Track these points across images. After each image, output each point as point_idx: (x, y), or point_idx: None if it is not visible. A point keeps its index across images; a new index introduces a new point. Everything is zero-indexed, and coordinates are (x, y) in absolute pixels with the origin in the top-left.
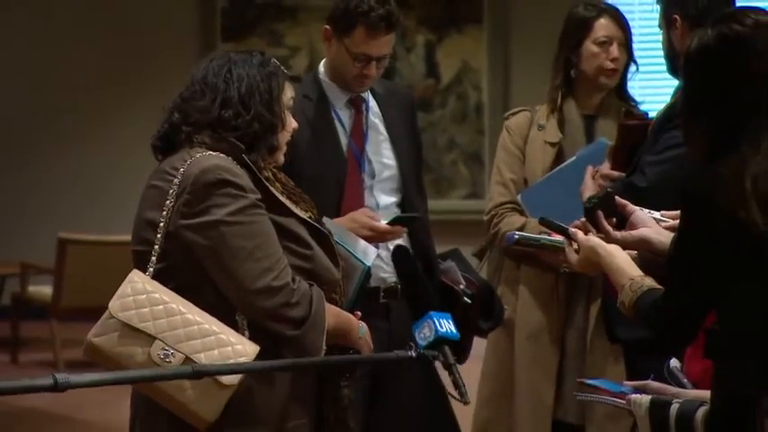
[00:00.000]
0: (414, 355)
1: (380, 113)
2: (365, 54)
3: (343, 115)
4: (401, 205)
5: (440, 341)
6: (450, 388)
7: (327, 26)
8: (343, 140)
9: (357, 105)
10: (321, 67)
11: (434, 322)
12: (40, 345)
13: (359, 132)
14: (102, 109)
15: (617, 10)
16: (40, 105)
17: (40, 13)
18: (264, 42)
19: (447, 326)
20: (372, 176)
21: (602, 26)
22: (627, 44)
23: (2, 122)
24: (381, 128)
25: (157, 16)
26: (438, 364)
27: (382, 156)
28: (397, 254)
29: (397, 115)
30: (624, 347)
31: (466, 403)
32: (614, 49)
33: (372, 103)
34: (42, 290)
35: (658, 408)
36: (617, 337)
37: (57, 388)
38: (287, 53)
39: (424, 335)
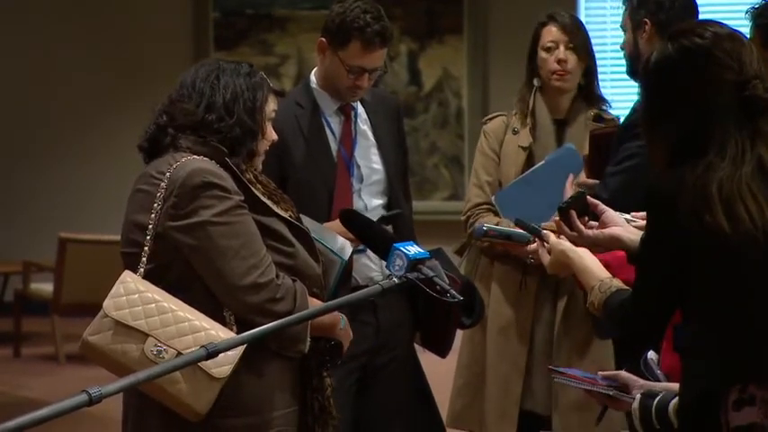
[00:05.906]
0: (397, 281)
1: (368, 120)
2: (359, 67)
3: (333, 122)
4: (388, 207)
5: (414, 264)
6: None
7: (323, 38)
8: (333, 146)
9: (346, 113)
10: (312, 76)
11: (402, 251)
12: (42, 339)
13: (348, 139)
14: (98, 116)
15: (570, 16)
16: (40, 114)
17: (39, 25)
18: (255, 51)
19: (414, 249)
20: (361, 180)
21: (548, 32)
22: (579, 47)
23: (4, 130)
24: (369, 134)
25: (152, 27)
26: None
27: (370, 161)
28: (345, 216)
29: (384, 121)
30: (613, 342)
31: (456, 301)
32: (560, 52)
33: (360, 110)
34: (44, 287)
35: (647, 399)
36: (604, 333)
37: (92, 403)
38: (277, 61)
39: (398, 266)
